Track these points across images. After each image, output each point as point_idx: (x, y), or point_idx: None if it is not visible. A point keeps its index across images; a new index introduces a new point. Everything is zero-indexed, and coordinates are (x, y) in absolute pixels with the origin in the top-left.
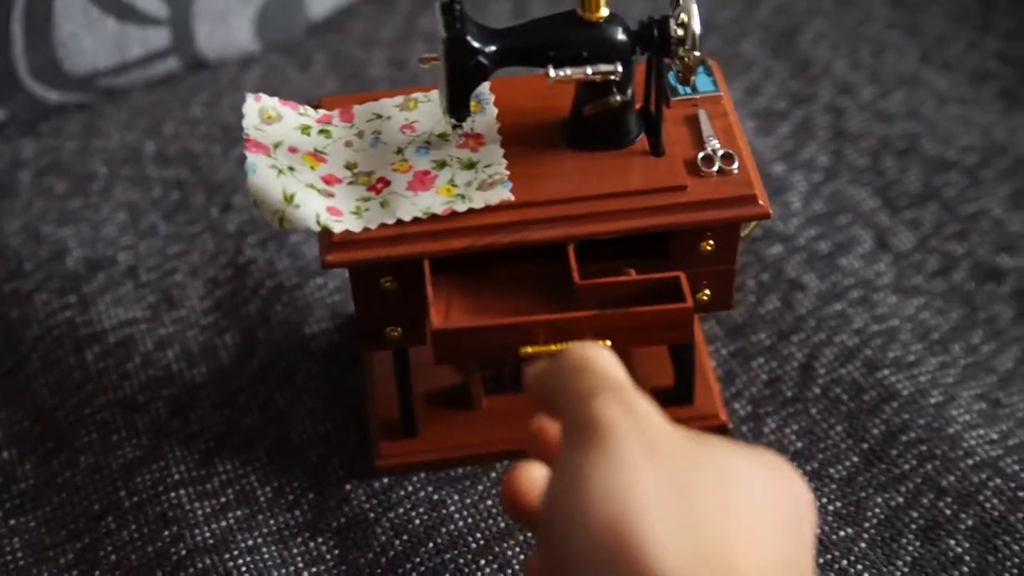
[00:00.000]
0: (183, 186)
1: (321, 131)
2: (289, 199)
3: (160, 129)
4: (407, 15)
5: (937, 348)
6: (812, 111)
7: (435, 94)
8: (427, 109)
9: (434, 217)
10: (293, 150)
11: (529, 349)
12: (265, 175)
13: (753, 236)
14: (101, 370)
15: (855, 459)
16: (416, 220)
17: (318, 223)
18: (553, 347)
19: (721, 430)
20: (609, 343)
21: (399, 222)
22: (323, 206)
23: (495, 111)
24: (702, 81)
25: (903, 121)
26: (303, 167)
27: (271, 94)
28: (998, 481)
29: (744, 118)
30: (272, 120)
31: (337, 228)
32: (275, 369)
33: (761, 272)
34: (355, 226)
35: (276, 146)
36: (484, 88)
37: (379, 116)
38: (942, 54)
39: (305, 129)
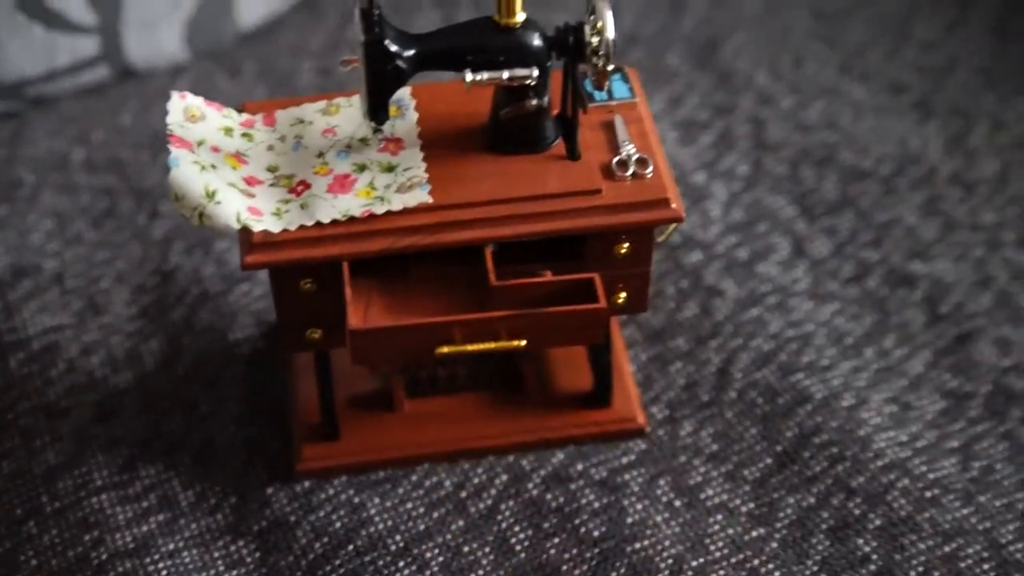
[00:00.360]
0: (111, 193)
1: (244, 134)
2: (211, 195)
3: (89, 137)
4: (335, 25)
5: (850, 352)
6: (733, 121)
7: (357, 99)
8: (349, 114)
9: (353, 219)
10: (216, 149)
11: (445, 349)
12: (188, 169)
13: (673, 243)
14: (25, 376)
15: (768, 461)
16: (335, 222)
17: (238, 221)
18: (469, 347)
19: (638, 433)
20: (525, 343)
21: (318, 224)
22: (244, 205)
23: (416, 116)
24: (618, 88)
25: (821, 131)
26: (225, 167)
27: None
28: (906, 482)
29: (667, 128)
30: (196, 119)
31: (257, 227)
32: (199, 375)
33: (681, 279)
34: (275, 227)
35: (199, 144)
36: (405, 93)
37: (301, 121)
38: (861, 65)
39: (228, 131)
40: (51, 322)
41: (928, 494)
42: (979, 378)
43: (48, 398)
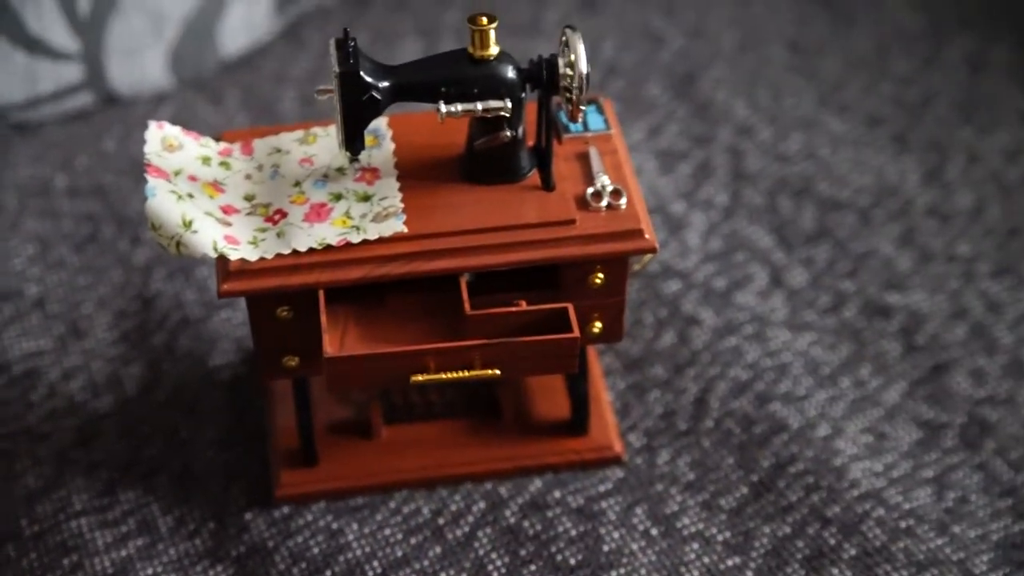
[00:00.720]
0: (94, 219)
1: (222, 163)
2: (187, 224)
3: (72, 163)
4: (318, 54)
5: (826, 382)
6: (712, 152)
7: (334, 129)
8: (326, 143)
9: (329, 248)
10: (193, 179)
11: (420, 377)
12: (165, 199)
13: (651, 272)
14: (5, 400)
15: (745, 490)
16: (311, 250)
17: (215, 249)
18: (444, 376)
19: (615, 461)
20: (499, 372)
21: (295, 252)
22: (220, 234)
23: (392, 146)
24: (593, 119)
25: (800, 162)
26: (202, 196)
27: (184, 128)
28: (881, 512)
29: (646, 157)
30: (174, 148)
31: (233, 256)
32: (179, 400)
33: (659, 307)
34: (251, 255)
35: (176, 173)
36: (382, 123)
37: (278, 150)
38: (838, 98)
39: (206, 160)
40: (32, 347)
41: (903, 524)
42: (954, 409)
43: (29, 422)
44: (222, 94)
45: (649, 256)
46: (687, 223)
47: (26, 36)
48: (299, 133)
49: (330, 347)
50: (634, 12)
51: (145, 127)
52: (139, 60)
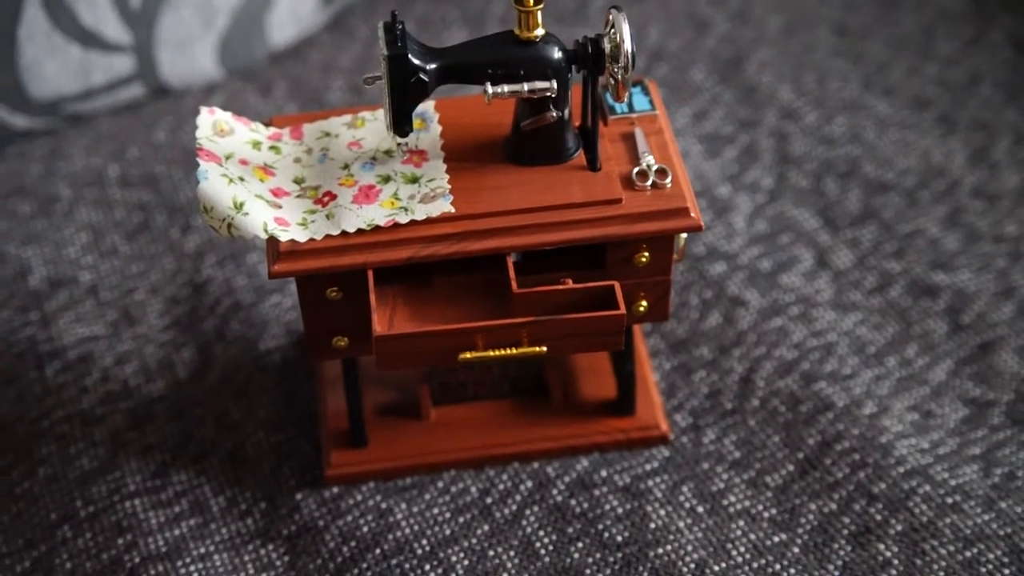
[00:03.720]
0: (145, 208)
1: (271, 147)
2: (239, 206)
3: (124, 153)
4: (365, 44)
5: (872, 361)
6: (757, 135)
7: (381, 112)
8: (374, 127)
9: (377, 228)
10: (244, 162)
11: (468, 355)
12: (216, 182)
13: (697, 254)
14: (61, 384)
15: (790, 468)
16: (360, 231)
17: (265, 231)
18: (492, 353)
19: (661, 440)
20: (546, 349)
21: (344, 233)
22: (271, 215)
23: (439, 128)
24: (639, 100)
25: (845, 145)
26: (253, 179)
27: (239, 117)
28: (927, 488)
29: (691, 142)
30: (225, 133)
31: (283, 237)
32: (230, 383)
33: (704, 289)
34: (301, 236)
35: (227, 157)
36: (429, 107)
37: (327, 134)
38: (883, 80)
39: (256, 144)
40: (86, 332)
41: (949, 500)
42: (1001, 386)
43: (83, 406)
44: (271, 84)
45: (683, 239)
46: (733, 206)
47: (80, 29)
48: (347, 117)
49: (379, 326)
50: None
51: (195, 118)
52: (189, 52)
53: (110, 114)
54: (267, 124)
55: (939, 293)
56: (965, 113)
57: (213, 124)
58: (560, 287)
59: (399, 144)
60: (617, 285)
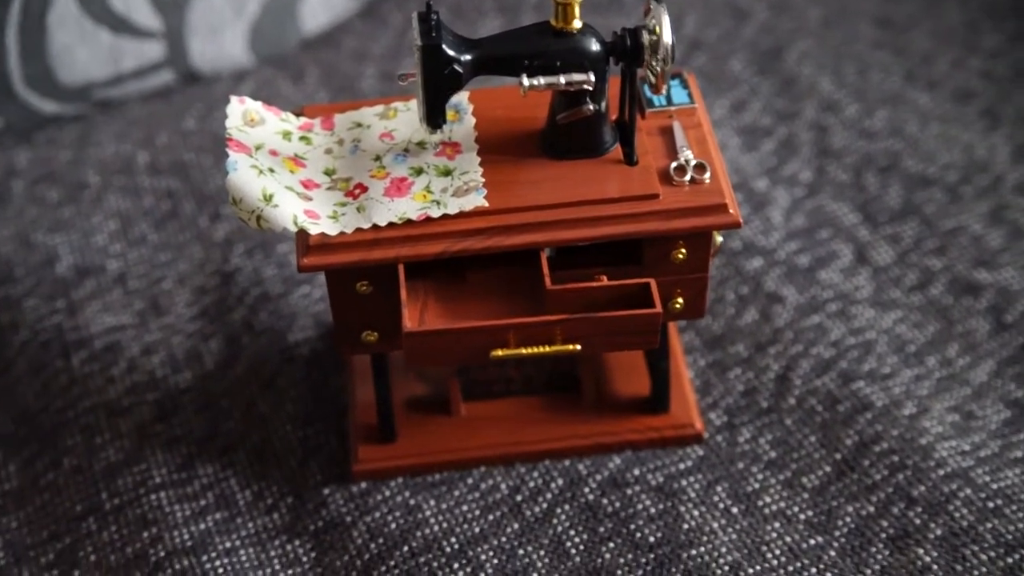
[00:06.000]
0: (174, 196)
1: (302, 138)
2: (268, 198)
3: (153, 140)
4: (399, 31)
5: (912, 361)
6: (796, 128)
7: (415, 103)
8: (407, 118)
9: (409, 222)
10: (274, 153)
11: (500, 352)
12: (246, 173)
13: (734, 249)
14: (87, 374)
15: (828, 469)
16: (391, 225)
17: (295, 224)
18: (524, 351)
19: (695, 439)
20: (580, 347)
21: (375, 227)
22: (300, 208)
23: (473, 120)
24: (677, 93)
25: (886, 138)
26: (283, 170)
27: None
28: (968, 491)
29: (729, 134)
30: (255, 123)
31: (313, 230)
32: (258, 375)
33: (741, 285)
34: (331, 229)
35: (258, 148)
36: (463, 98)
37: (359, 124)
38: (926, 73)
39: (286, 135)
40: (113, 322)
41: (991, 504)
42: None
43: (109, 396)
44: (302, 72)
45: (721, 239)
46: (770, 200)
47: (111, 15)
48: (380, 108)
49: (410, 322)
50: None
51: (225, 105)
52: (220, 38)
53: (140, 100)
54: (298, 114)
55: (982, 291)
56: (1010, 107)
57: (243, 114)
58: (595, 284)
59: (431, 135)
60: (653, 283)
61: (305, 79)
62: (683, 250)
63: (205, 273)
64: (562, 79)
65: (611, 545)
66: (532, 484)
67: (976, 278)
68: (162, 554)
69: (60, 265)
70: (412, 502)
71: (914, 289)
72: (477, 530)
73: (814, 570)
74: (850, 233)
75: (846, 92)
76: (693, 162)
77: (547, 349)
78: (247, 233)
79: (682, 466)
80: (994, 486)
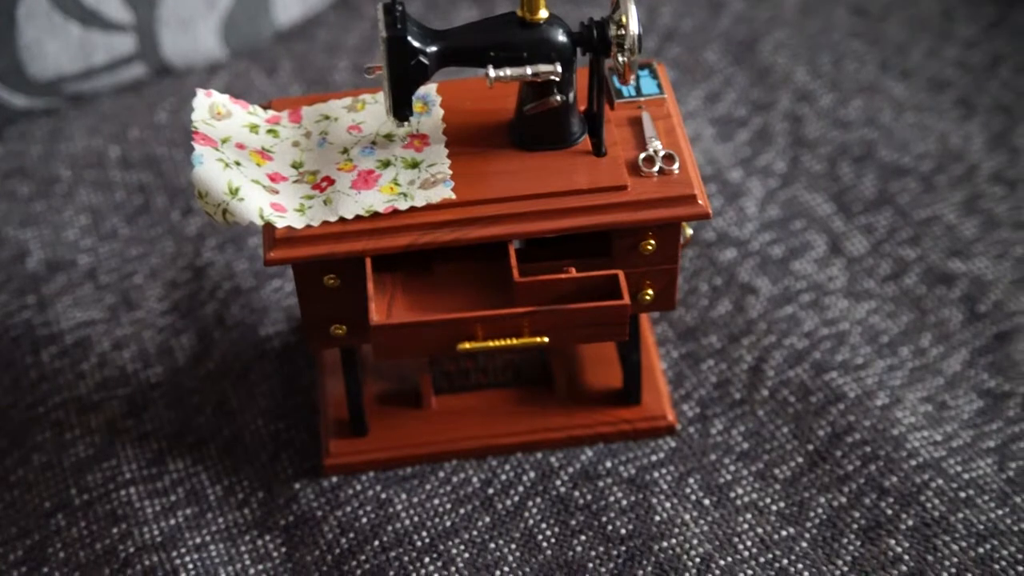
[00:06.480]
0: (145, 190)
1: (269, 131)
2: (234, 192)
3: (125, 134)
4: (372, 23)
5: (886, 351)
6: (771, 118)
7: (382, 95)
8: (374, 110)
9: (376, 215)
10: (241, 146)
11: (467, 345)
12: (211, 167)
13: (707, 240)
14: (57, 370)
15: (800, 460)
16: (358, 218)
17: (261, 217)
18: (492, 343)
19: (668, 431)
20: (547, 340)
21: (341, 220)
22: (267, 201)
23: (441, 112)
24: (646, 83)
25: (861, 128)
26: (250, 163)
27: (237, 99)
28: (940, 482)
29: (704, 124)
30: (222, 116)
31: (280, 223)
32: (230, 370)
33: (714, 276)
34: (298, 223)
35: (224, 141)
36: (431, 90)
37: (327, 117)
38: (901, 62)
39: (254, 128)
40: (84, 316)
41: (963, 495)
42: (1017, 378)
43: (79, 392)
44: (275, 64)
45: (691, 230)
46: (744, 191)
47: (80, 8)
48: (347, 100)
49: (377, 315)
50: None
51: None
52: (192, 31)
53: (112, 94)
54: (266, 107)
55: (955, 281)
56: (985, 96)
57: (210, 107)
58: (563, 276)
59: (399, 127)
60: (621, 274)
61: (278, 72)
62: (652, 241)
63: (177, 267)
64: (529, 70)
65: (583, 538)
66: (504, 477)
67: (950, 268)
68: (132, 550)
69: (31, 260)
70: (383, 496)
71: (888, 279)
72: (448, 524)
73: (786, 561)
74: (824, 223)
75: (821, 82)
76: (662, 153)
77: (515, 342)
78: (218, 228)
79: (654, 458)
80: (966, 476)
